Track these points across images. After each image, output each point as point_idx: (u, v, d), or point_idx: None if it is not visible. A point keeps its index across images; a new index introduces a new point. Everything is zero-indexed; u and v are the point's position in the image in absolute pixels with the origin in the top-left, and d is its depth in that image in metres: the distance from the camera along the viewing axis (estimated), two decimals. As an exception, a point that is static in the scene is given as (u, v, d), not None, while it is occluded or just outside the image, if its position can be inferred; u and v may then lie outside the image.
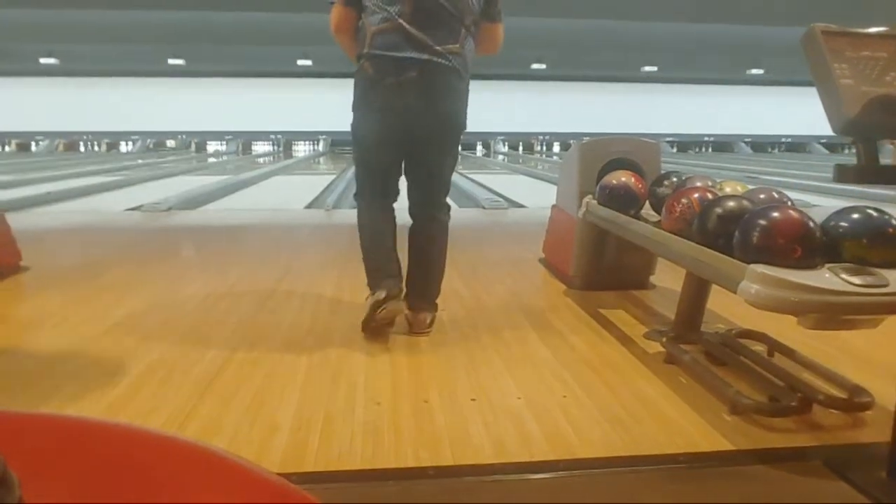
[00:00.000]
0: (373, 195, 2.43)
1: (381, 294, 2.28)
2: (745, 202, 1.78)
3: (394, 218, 2.45)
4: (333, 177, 11.93)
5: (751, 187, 2.14)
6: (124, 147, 24.02)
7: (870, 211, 1.54)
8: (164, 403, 1.82)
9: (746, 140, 24.65)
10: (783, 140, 25.00)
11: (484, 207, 6.95)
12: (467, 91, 2.36)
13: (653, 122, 21.09)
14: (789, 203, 1.86)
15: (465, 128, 2.39)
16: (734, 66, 18.49)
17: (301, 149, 24.15)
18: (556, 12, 10.73)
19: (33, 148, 23.38)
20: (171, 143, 24.25)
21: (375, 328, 2.35)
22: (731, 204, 1.77)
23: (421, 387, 1.96)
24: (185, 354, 2.22)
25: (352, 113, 2.37)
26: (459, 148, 2.51)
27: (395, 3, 2.20)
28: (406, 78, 2.20)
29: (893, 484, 1.40)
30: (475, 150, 24.32)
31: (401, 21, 2.19)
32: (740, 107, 22.88)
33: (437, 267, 2.48)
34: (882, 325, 1.49)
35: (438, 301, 2.51)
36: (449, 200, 2.53)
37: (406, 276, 2.44)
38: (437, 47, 2.21)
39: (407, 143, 2.33)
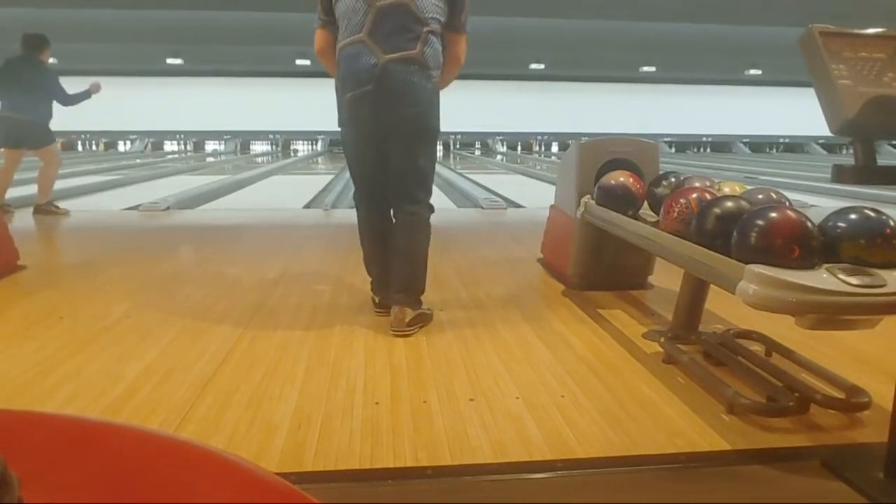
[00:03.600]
0: (364, 202, 2.61)
1: (377, 299, 2.65)
2: (744, 202, 1.78)
3: (391, 224, 2.57)
4: (332, 176, 11.90)
5: (749, 187, 2.14)
6: (122, 146, 23.96)
7: (867, 211, 1.55)
8: (163, 403, 1.82)
9: (745, 140, 24.65)
10: (781, 140, 24.99)
11: (482, 207, 6.94)
12: (435, 91, 2.42)
13: (651, 122, 21.09)
14: (787, 203, 1.87)
15: (437, 127, 2.46)
16: (732, 67, 18.49)
17: (300, 148, 24.11)
18: (555, 12, 10.72)
19: (31, 147, 23.26)
20: (169, 145, 24.12)
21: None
22: (730, 204, 1.77)
23: (420, 387, 1.97)
24: (184, 354, 2.22)
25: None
26: (437, 146, 2.60)
27: (358, 19, 2.31)
28: (362, 91, 2.33)
29: (890, 484, 1.40)
30: (474, 150, 24.32)
31: (362, 35, 2.31)
32: (739, 107, 22.86)
33: (415, 262, 2.52)
34: (879, 325, 1.49)
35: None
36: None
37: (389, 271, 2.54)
38: (393, 54, 2.30)
39: (379, 147, 2.45)
